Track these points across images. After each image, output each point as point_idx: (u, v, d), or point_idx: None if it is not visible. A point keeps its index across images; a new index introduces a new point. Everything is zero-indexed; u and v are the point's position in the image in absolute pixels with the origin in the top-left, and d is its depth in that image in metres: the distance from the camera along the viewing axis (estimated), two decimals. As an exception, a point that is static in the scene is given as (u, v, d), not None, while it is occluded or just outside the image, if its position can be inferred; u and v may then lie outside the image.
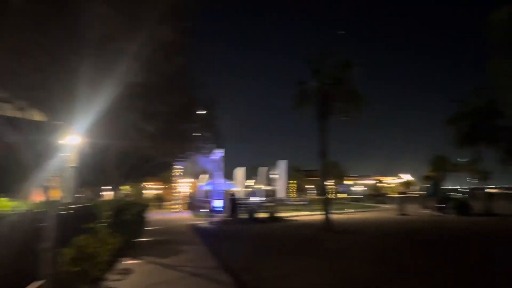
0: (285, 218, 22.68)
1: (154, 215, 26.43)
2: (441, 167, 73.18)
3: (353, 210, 30.91)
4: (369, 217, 24.23)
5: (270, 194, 36.05)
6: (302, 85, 18.06)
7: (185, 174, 36.63)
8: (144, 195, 45.22)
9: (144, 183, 47.26)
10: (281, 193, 33.93)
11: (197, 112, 13.52)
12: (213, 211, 23.83)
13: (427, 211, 27.32)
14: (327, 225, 16.50)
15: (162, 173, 23.62)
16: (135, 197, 39.85)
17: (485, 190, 28.60)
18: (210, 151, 23.48)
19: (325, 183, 17.47)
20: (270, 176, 57.66)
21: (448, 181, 79.43)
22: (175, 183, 33.27)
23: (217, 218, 21.66)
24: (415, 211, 27.28)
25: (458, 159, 77.15)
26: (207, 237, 14.47)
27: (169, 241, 13.25)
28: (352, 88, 17.32)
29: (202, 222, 20.95)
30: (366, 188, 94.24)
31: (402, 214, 24.84)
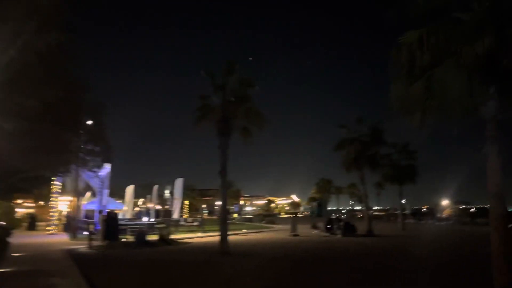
0: (178, 241, 21.19)
1: (24, 238, 22.52)
2: (325, 189, 78.97)
3: (245, 230, 30.70)
4: (263, 238, 24.16)
5: (163, 214, 33.88)
6: (204, 100, 17.28)
7: (64, 191, 32.37)
8: (14, 215, 38.88)
9: (14, 201, 40.74)
10: (175, 213, 32.06)
11: (83, 121, 11.58)
12: (95, 234, 21.10)
13: (316, 231, 28.46)
14: (223, 248, 15.64)
15: (37, 189, 20.09)
16: (3, 217, 34.04)
17: (363, 212, 31.17)
18: (96, 165, 21.02)
19: (225, 202, 16.68)
20: (164, 195, 55.03)
21: (331, 203, 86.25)
22: (52, 201, 29.01)
23: (99, 242, 19.10)
24: (305, 231, 28.19)
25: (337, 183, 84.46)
26: (85, 266, 12.30)
27: (37, 272, 10.79)
28: (254, 106, 17.11)
29: (81, 246, 18.24)
30: (255, 208, 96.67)
31: (294, 235, 25.34)
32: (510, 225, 7.16)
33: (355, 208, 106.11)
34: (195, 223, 30.17)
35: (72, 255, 15.16)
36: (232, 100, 17.00)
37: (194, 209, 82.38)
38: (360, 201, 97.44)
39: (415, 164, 31.13)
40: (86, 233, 19.33)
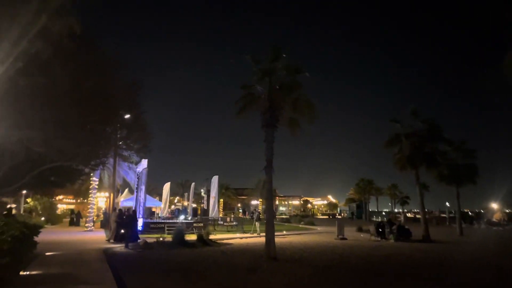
0: (218, 242, 19.82)
1: (61, 235, 21.99)
2: (366, 190, 75.66)
3: (285, 232, 28.98)
4: (308, 241, 22.30)
5: (199, 213, 32.77)
6: (248, 88, 15.75)
7: (101, 187, 32.00)
8: (55, 211, 39.22)
9: (55, 197, 41.12)
10: (212, 212, 30.85)
11: (121, 109, 10.25)
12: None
13: (364, 235, 26.31)
14: (269, 253, 14.04)
15: (72, 183, 19.32)
16: (44, 212, 34.25)
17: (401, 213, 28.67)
18: (134, 160, 20.12)
19: (271, 202, 15.07)
20: (201, 193, 54.29)
21: (370, 204, 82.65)
22: (90, 197, 28.60)
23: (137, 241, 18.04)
24: (351, 234, 26.11)
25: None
26: (120, 270, 11.04)
27: (67, 275, 9.61)
28: (303, 95, 15.39)
29: (117, 246, 17.24)
30: (290, 209, 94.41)
31: (342, 238, 23.37)
32: None
33: (395, 210, 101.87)
34: (234, 223, 28.75)
35: (107, 255, 14.05)
36: (279, 88, 15.35)
37: (228, 208, 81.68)
38: (401, 203, 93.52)
39: (475, 163, 28.24)
40: (122, 231, 18.28)
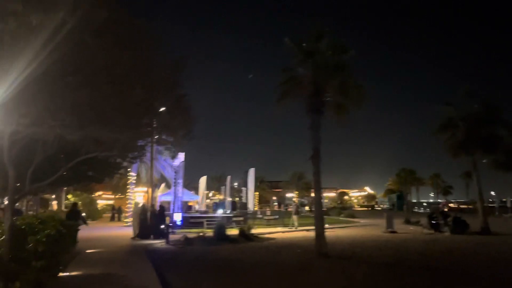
0: (260, 236, 18.93)
1: (102, 230, 21.89)
2: (407, 180, 72.65)
3: (328, 225, 27.65)
4: (355, 234, 21.01)
5: (240, 206, 32.03)
6: (289, 72, 14.59)
7: (139, 182, 31.90)
8: (95, 206, 39.81)
9: (95, 193, 41.71)
10: (250, 206, 30.02)
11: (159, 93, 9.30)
12: (173, 227, 19.64)
13: (414, 228, 24.66)
14: (320, 249, 12.92)
15: (109, 178, 18.95)
16: (84, 208, 34.74)
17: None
18: (171, 152, 19.54)
19: (319, 193, 13.90)
20: (235, 186, 53.82)
21: (410, 195, 79.38)
22: (128, 192, 28.52)
23: (176, 236, 17.43)
24: (400, 227, 24.48)
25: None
26: (165, 267, 10.30)
27: (109, 277, 8.90)
28: (350, 77, 14.06)
29: (157, 241, 16.69)
30: (327, 201, 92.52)
31: (391, 232, 21.87)
32: None
33: (438, 200, 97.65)
34: (274, 217, 27.78)
35: (148, 252, 13.43)
36: (324, 70, 14.06)
37: (263, 201, 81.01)
38: (444, 193, 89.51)
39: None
40: (162, 226, 17.72)
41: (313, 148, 13.70)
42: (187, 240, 16.25)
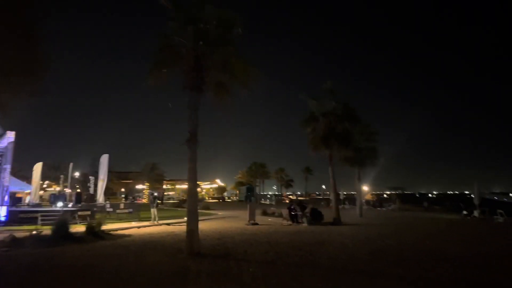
0: (112, 233, 16.06)
1: None
2: (258, 173, 76.36)
3: (186, 218, 26.05)
4: (218, 228, 19.80)
5: (84, 199, 27.39)
6: (166, 39, 12.28)
7: None
8: None
9: None
10: (100, 198, 25.87)
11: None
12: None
13: (272, 219, 25.04)
14: (191, 247, 11.14)
15: None
16: None
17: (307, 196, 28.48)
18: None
19: (195, 183, 11.98)
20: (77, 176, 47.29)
21: (260, 187, 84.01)
22: None
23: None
24: (260, 219, 24.51)
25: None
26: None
27: None
28: (235, 54, 12.57)
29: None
30: (179, 193, 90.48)
31: (254, 224, 21.50)
32: None
33: (281, 193, 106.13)
34: (129, 210, 24.53)
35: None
36: (206, 41, 12.23)
37: (110, 193, 74.12)
38: (286, 186, 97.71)
39: (375, 146, 29.21)
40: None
41: (190, 130, 11.77)
42: (14, 241, 12.36)
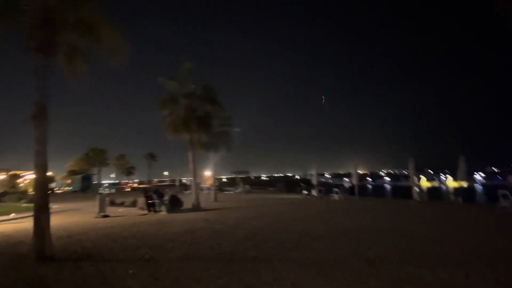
0: None
1: None
2: (98, 160, 69.36)
3: (14, 214, 21.61)
4: (63, 224, 16.80)
5: None
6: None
7: None
8: None
9: None
10: None
11: None
12: None
13: (123, 209, 22.82)
14: (42, 250, 8.86)
15: None
16: None
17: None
18: None
19: (44, 172, 9.39)
20: None
21: (98, 176, 76.62)
22: None
23: None
24: (110, 210, 22.01)
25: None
26: None
27: None
28: (92, 12, 10.37)
29: None
30: (-3, 184, 75.37)
31: (104, 216, 19.05)
32: None
33: (121, 181, 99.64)
34: None
35: None
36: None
37: None
38: (126, 173, 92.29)
39: (228, 131, 29.53)
40: None
41: (37, 103, 9.24)
42: None
